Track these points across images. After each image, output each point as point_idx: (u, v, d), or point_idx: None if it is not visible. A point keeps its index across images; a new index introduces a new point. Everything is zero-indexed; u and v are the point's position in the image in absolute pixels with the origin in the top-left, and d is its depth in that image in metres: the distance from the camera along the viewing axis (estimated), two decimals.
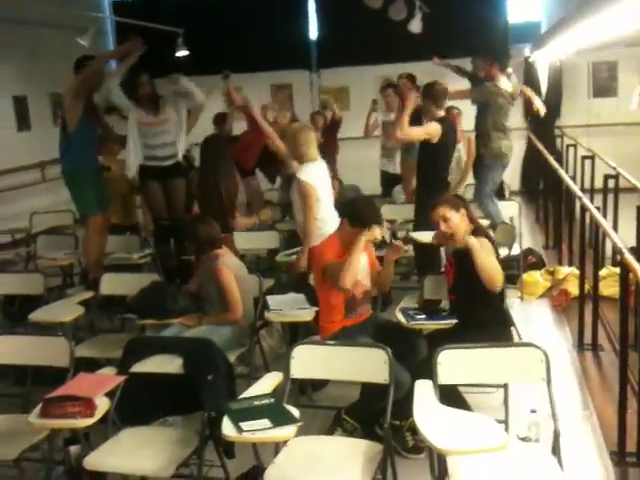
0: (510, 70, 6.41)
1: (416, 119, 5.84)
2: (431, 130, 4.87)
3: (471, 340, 2.93)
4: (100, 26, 10.40)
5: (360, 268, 3.49)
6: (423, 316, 3.51)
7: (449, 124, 5.05)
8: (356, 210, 3.57)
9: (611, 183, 5.68)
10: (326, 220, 4.31)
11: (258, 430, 2.50)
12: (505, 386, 3.30)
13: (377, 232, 3.55)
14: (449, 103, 5.70)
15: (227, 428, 2.55)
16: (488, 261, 3.25)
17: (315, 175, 4.36)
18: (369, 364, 2.90)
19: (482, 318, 3.36)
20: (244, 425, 2.52)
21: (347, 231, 3.54)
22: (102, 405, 2.77)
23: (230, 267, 3.80)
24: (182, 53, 8.86)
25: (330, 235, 3.74)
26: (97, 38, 10.03)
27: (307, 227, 4.33)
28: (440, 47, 8.62)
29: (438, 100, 5.03)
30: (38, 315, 3.99)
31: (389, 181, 6.61)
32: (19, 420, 3.10)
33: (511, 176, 7.73)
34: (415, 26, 8.12)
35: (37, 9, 8.29)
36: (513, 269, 5.18)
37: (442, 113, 5.06)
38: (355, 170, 7.40)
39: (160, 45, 8.49)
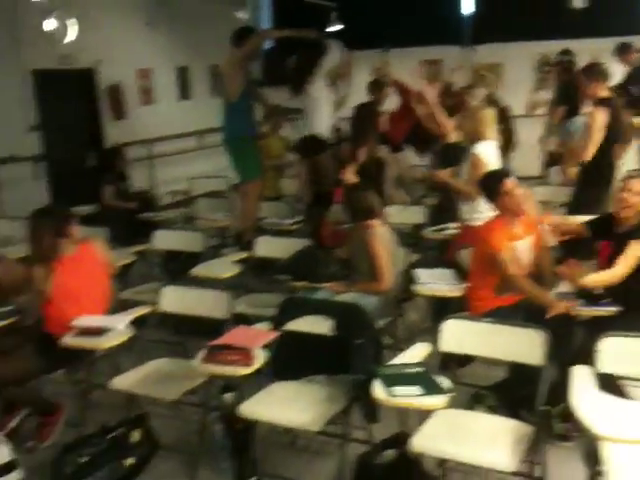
0: None
1: (567, 97, 5.57)
2: (601, 126, 4.65)
3: (636, 329, 2.78)
4: (257, 0, 10.76)
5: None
6: (582, 301, 3.36)
7: (613, 105, 4.77)
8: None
9: None
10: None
11: (410, 396, 2.53)
12: None
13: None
14: None
15: (378, 391, 2.59)
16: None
17: (489, 154, 4.31)
18: (523, 345, 2.82)
19: None
20: (395, 390, 2.55)
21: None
22: (259, 357, 2.91)
23: (381, 238, 3.84)
24: (335, 28, 8.96)
25: (494, 217, 3.65)
26: (255, 12, 10.42)
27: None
28: (604, 24, 8.13)
29: (601, 80, 4.78)
30: (199, 270, 4.27)
31: (552, 160, 6.40)
32: (181, 365, 3.35)
33: None
34: (578, 0, 7.70)
35: None
36: None
37: (605, 93, 4.79)
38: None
39: (313, 19, 8.66)
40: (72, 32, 6.84)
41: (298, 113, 5.70)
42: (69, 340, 3.26)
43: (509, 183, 3.50)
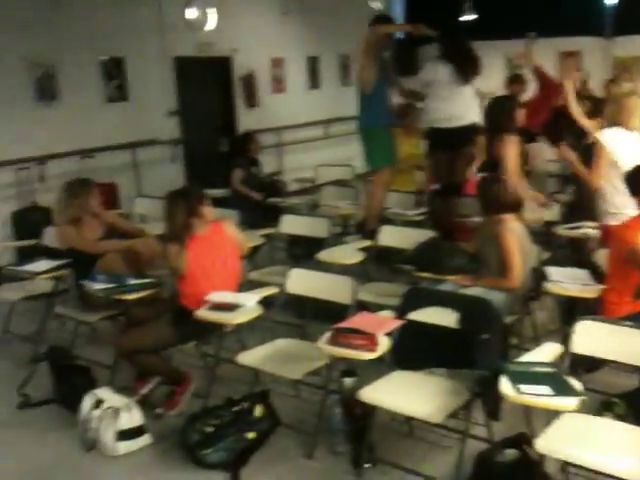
0: None
1: None
2: None
3: None
4: None
5: None
6: None
7: None
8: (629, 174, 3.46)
9: None
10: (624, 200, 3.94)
11: (539, 395, 2.44)
12: None
13: None
14: None
15: (505, 388, 2.52)
16: None
17: (617, 141, 4.06)
18: None
19: None
20: (524, 388, 2.48)
21: None
22: (383, 343, 2.92)
23: (514, 233, 3.72)
24: (468, 17, 8.77)
25: (633, 217, 3.44)
26: (388, 1, 10.38)
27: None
28: None
29: None
30: (323, 255, 4.33)
31: None
32: (305, 346, 3.43)
33: None
34: None
35: None
36: None
37: None
38: None
39: (447, 9, 8.52)
40: (212, 21, 7.12)
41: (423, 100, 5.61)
42: (202, 313, 3.41)
43: None
